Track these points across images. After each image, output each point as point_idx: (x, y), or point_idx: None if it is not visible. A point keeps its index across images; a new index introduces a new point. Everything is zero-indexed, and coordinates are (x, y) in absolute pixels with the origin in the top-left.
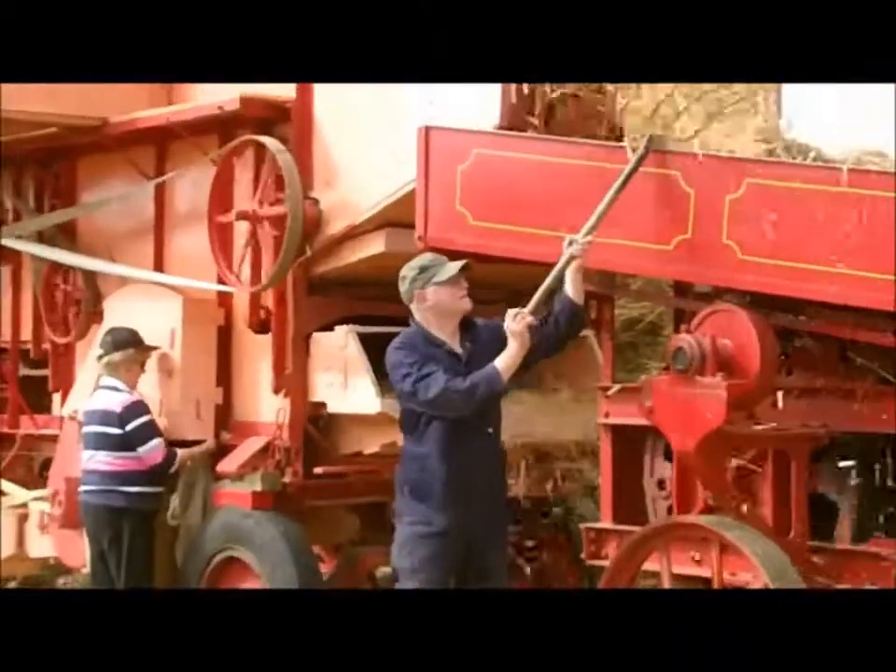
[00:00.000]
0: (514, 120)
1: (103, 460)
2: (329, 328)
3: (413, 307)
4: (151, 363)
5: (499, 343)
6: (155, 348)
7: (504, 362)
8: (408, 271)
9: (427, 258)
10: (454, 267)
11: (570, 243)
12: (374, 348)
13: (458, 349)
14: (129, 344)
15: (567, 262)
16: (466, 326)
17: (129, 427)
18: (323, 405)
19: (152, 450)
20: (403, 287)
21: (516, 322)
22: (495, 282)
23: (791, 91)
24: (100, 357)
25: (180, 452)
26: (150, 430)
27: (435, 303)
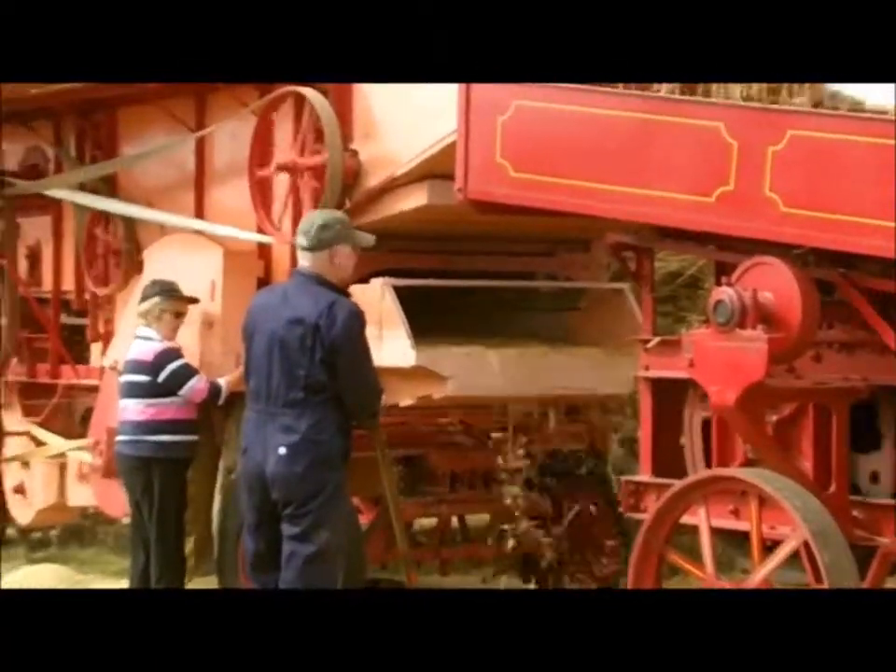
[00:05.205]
0: None
1: (134, 409)
2: (366, 281)
3: (316, 257)
4: (193, 315)
5: None
6: (194, 300)
7: None
8: (332, 220)
9: (343, 216)
10: (371, 238)
11: None
12: (410, 301)
13: None
14: (157, 294)
15: None
16: None
17: (163, 374)
18: None
19: (194, 387)
20: (326, 234)
21: None
22: (534, 234)
23: None
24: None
25: (223, 381)
26: (187, 370)
27: (343, 266)
